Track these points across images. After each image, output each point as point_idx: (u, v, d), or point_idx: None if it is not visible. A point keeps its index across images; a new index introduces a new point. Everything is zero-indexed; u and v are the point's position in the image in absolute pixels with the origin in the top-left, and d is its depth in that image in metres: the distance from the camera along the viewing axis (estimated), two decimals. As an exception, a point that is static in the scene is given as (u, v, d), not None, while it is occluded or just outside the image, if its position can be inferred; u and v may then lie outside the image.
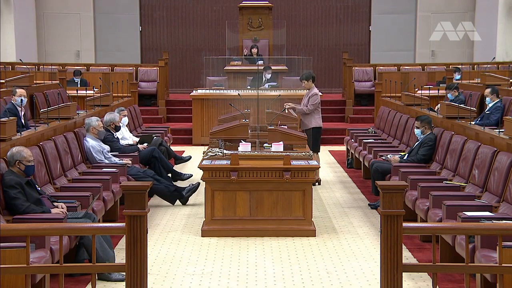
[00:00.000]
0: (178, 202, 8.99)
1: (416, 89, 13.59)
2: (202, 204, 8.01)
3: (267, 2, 18.18)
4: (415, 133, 8.96)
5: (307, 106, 10.01)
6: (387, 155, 9.24)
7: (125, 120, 10.78)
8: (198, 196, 9.13)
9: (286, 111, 10.23)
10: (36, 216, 5.97)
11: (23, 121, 9.65)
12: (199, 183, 8.94)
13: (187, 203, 8.99)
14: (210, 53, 19.40)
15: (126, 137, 10.56)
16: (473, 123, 8.95)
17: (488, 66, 15.62)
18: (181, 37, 21.57)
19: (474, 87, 12.01)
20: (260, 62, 16.65)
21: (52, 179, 7.55)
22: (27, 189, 6.18)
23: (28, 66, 16.10)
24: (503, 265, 4.21)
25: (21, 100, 9.81)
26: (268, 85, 15.20)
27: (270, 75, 15.39)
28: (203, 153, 8.06)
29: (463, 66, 15.43)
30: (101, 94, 11.83)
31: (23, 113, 9.96)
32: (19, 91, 10.08)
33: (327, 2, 21.42)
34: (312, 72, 10.50)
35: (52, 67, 16.14)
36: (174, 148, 12.32)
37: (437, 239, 6.32)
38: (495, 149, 7.04)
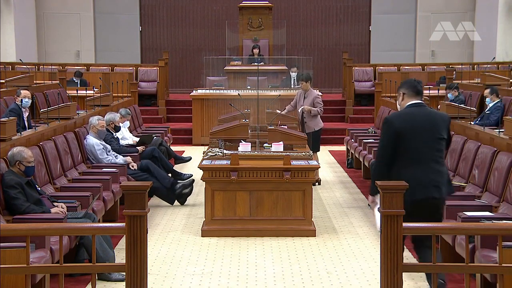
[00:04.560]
0: (177, 202, 8.99)
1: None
2: (202, 204, 8.00)
3: (267, 2, 18.17)
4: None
5: (317, 108, 10.01)
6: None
7: (127, 123, 10.78)
8: (198, 196, 9.13)
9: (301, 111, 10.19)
10: (36, 216, 5.97)
11: (26, 123, 9.62)
12: (193, 180, 9.03)
13: (185, 203, 8.98)
14: (210, 53, 19.38)
15: (126, 137, 10.56)
16: (473, 123, 8.95)
17: (488, 66, 15.60)
18: (181, 37, 21.56)
19: (474, 87, 12.01)
20: (260, 62, 16.66)
21: (52, 179, 7.55)
22: (27, 189, 6.18)
23: (28, 66, 16.09)
24: (503, 265, 4.20)
25: (22, 100, 9.79)
26: (270, 86, 15.22)
27: (295, 73, 15.56)
28: (203, 153, 8.06)
29: (463, 66, 15.40)
30: (101, 94, 11.84)
31: (27, 114, 9.93)
32: (24, 92, 10.04)
33: (327, 2, 21.42)
34: (311, 74, 10.55)
35: (52, 67, 16.14)
36: (174, 148, 12.32)
37: (437, 239, 6.32)
38: (495, 149, 7.04)
